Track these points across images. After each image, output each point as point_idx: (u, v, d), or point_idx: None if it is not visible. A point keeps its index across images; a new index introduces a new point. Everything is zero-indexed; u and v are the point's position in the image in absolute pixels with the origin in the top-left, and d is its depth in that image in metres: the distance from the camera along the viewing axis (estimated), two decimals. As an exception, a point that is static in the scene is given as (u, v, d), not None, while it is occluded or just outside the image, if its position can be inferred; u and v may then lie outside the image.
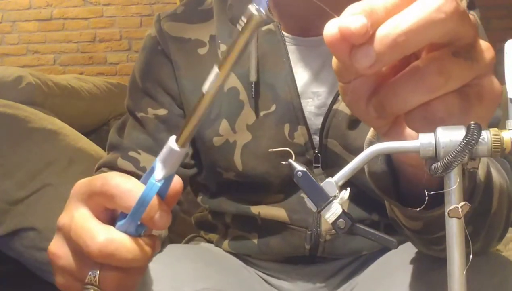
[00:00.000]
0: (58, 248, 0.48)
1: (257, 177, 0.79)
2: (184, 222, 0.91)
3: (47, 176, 1.40)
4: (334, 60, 0.39)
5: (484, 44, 0.38)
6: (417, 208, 0.48)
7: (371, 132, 0.52)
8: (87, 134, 1.91)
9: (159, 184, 0.42)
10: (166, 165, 0.42)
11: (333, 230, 0.79)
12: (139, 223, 0.44)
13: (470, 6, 0.78)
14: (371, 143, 0.51)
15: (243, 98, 0.78)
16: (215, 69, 0.38)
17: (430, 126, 0.37)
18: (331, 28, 0.35)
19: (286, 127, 0.77)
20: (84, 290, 0.46)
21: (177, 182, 0.44)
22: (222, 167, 0.80)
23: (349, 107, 0.42)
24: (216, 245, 0.89)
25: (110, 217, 0.47)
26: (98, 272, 0.45)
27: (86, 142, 1.59)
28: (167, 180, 0.43)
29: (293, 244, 0.81)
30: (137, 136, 0.81)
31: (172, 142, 0.41)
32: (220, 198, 0.84)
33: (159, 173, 0.42)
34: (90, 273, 0.46)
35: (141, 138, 0.81)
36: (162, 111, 0.81)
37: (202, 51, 0.81)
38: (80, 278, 0.47)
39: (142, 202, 0.43)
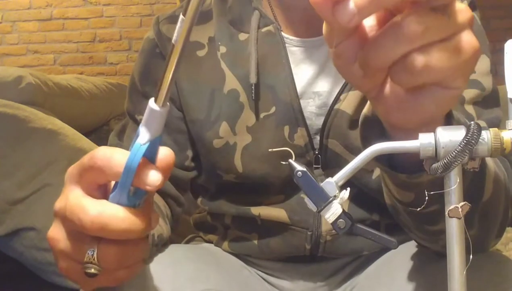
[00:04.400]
0: (56, 232, 0.48)
1: (257, 179, 0.79)
2: (184, 222, 0.91)
3: (47, 176, 1.40)
4: (324, 27, 0.42)
5: (461, 5, 0.41)
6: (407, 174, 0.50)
7: (366, 107, 0.53)
8: (87, 134, 1.91)
9: (144, 147, 0.42)
10: (149, 127, 0.42)
11: (334, 231, 0.79)
12: (131, 190, 0.44)
13: (471, 7, 0.78)
14: (365, 117, 0.53)
15: (243, 100, 0.78)
16: (181, 17, 0.38)
17: (412, 77, 0.39)
18: None
19: (286, 129, 0.77)
20: (84, 270, 0.45)
21: (167, 151, 0.44)
22: (222, 169, 0.80)
23: (340, 71, 0.44)
24: (216, 246, 0.89)
25: (103, 195, 0.47)
26: (95, 249, 0.45)
27: (86, 142, 1.59)
28: (153, 143, 0.43)
29: (294, 244, 0.81)
30: None
31: (151, 103, 0.42)
32: (220, 200, 0.84)
33: (143, 136, 0.42)
34: (88, 251, 0.45)
35: None
36: None
37: (201, 53, 0.81)
38: (79, 258, 0.47)
39: (129, 167, 0.42)
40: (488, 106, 0.73)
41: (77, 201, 0.45)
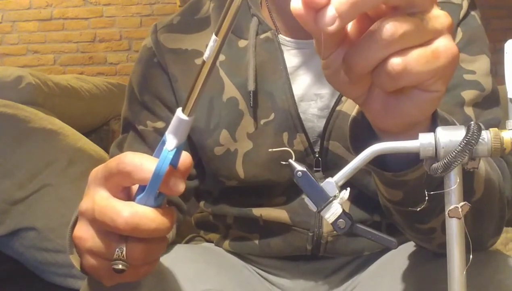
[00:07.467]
0: (83, 231, 0.51)
1: (259, 183, 0.79)
2: (184, 222, 0.91)
3: (47, 176, 1.39)
4: (314, 39, 0.43)
5: (440, 12, 0.41)
6: (393, 172, 0.52)
7: (355, 110, 0.55)
8: (87, 134, 1.91)
9: (172, 154, 0.45)
10: (176, 135, 0.45)
11: (335, 232, 0.79)
12: (157, 192, 0.47)
13: (471, 6, 0.78)
14: (354, 119, 0.54)
15: (242, 108, 0.77)
16: (213, 37, 0.41)
17: (391, 81, 0.41)
18: (296, 3, 0.40)
19: (285, 136, 0.77)
20: (113, 266, 0.48)
21: (186, 156, 0.48)
22: (224, 176, 0.80)
23: (328, 79, 0.46)
24: (216, 245, 0.89)
25: (127, 196, 0.50)
26: (124, 247, 0.49)
27: (86, 142, 1.59)
28: (178, 149, 0.46)
29: (295, 245, 0.81)
30: (138, 148, 0.81)
31: (179, 113, 0.45)
32: (222, 204, 0.84)
33: (171, 143, 0.45)
34: (117, 249, 0.49)
35: (142, 151, 0.80)
36: (160, 124, 0.81)
37: (199, 61, 0.81)
38: (107, 256, 0.49)
39: (158, 172, 0.45)
40: (488, 107, 0.73)
41: (107, 202, 0.48)
